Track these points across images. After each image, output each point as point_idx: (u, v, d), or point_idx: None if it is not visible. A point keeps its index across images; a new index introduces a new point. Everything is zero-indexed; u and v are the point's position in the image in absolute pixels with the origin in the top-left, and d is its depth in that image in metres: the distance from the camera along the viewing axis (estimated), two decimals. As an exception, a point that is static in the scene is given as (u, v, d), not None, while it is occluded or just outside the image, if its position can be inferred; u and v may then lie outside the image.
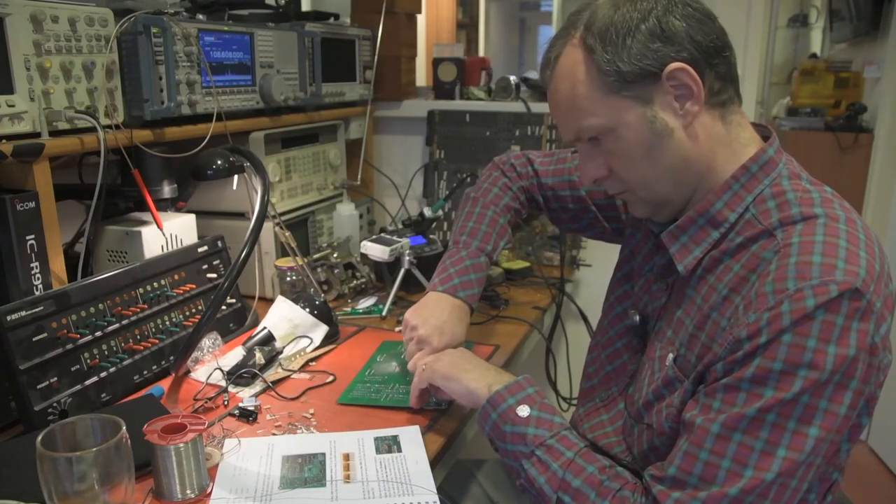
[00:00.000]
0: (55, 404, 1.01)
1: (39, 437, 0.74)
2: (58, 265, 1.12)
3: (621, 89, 0.83)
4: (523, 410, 0.90)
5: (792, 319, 0.72)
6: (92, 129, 1.12)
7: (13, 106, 1.03)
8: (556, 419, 0.90)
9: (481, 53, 5.43)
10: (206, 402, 1.10)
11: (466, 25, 5.49)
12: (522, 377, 0.95)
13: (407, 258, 1.52)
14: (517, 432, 0.89)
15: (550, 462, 0.86)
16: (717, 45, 0.83)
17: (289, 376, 1.21)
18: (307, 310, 1.35)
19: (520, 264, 1.81)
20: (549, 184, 1.26)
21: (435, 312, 1.14)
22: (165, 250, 1.32)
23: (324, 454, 0.96)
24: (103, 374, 1.09)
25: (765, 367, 0.73)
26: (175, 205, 1.42)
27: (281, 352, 1.27)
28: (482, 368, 1.01)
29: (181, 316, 1.27)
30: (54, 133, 1.10)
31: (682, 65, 0.81)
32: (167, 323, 1.23)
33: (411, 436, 1.01)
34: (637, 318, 1.00)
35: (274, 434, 1.03)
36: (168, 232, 1.33)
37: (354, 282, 1.64)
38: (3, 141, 1.03)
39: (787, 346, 0.72)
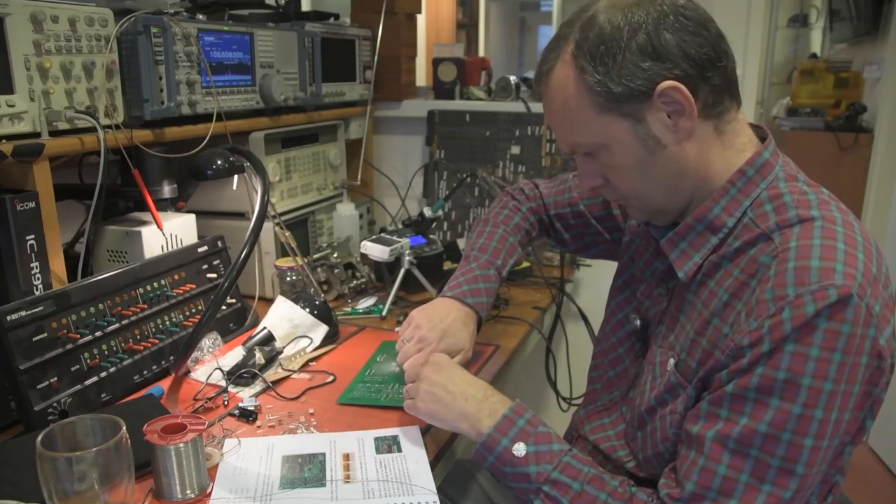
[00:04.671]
0: (55, 404, 1.01)
1: (39, 437, 0.74)
2: (58, 265, 1.12)
3: (612, 108, 0.82)
4: (519, 449, 0.87)
5: (793, 326, 0.72)
6: (92, 129, 1.12)
7: (13, 106, 1.03)
8: (554, 447, 0.88)
9: (481, 53, 5.43)
10: (206, 402, 1.10)
11: (466, 25, 5.49)
12: (510, 409, 0.92)
13: (407, 258, 1.52)
14: (519, 472, 0.87)
15: (560, 497, 0.84)
16: (711, 57, 0.81)
17: (289, 376, 1.21)
18: (307, 310, 1.35)
19: (520, 264, 1.81)
20: (552, 203, 1.28)
21: (441, 315, 1.12)
22: (165, 250, 1.32)
23: (324, 454, 0.96)
24: (103, 374, 1.09)
25: (769, 376, 0.73)
26: (175, 205, 1.42)
27: (281, 352, 1.27)
28: (460, 400, 0.95)
29: (181, 316, 1.27)
30: (54, 133, 1.10)
31: (674, 83, 0.79)
32: (167, 323, 1.23)
33: (411, 436, 1.01)
34: (638, 322, 0.99)
35: (274, 434, 1.03)
36: (168, 232, 1.33)
37: (354, 282, 1.64)
38: (3, 141, 1.03)
39: (791, 355, 0.72)
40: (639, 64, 0.79)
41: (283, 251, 1.57)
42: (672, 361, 0.88)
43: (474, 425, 0.92)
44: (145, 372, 1.17)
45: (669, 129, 0.82)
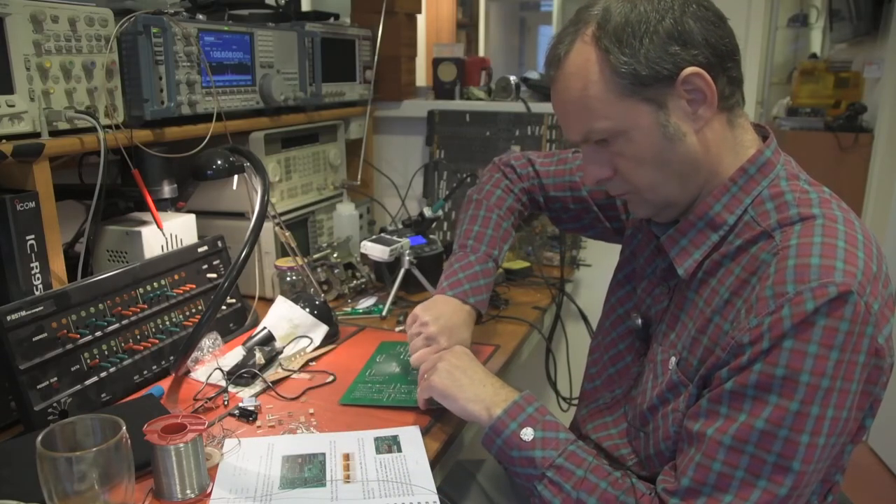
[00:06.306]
0: (55, 404, 1.01)
1: (39, 437, 0.74)
2: (58, 265, 1.12)
3: (636, 92, 0.81)
4: (527, 434, 0.89)
5: (792, 323, 0.72)
6: (92, 129, 1.12)
7: (13, 106, 1.03)
8: (560, 435, 0.89)
9: (481, 53, 5.43)
10: (206, 402, 1.10)
11: (466, 25, 5.49)
12: (521, 396, 0.94)
13: (407, 258, 1.52)
14: (525, 456, 0.88)
15: (562, 483, 0.85)
16: (730, 49, 0.82)
17: (289, 376, 1.21)
18: (307, 310, 1.35)
19: (520, 264, 1.81)
20: (551, 184, 1.26)
21: (446, 313, 1.13)
22: (165, 250, 1.32)
23: (324, 454, 0.96)
24: (103, 374, 1.09)
25: (768, 372, 0.73)
26: (175, 205, 1.42)
27: (281, 352, 1.27)
28: (478, 384, 0.98)
29: (181, 316, 1.27)
30: (54, 133, 1.10)
31: (698, 70, 0.80)
32: (167, 323, 1.23)
33: (411, 436, 1.01)
34: (639, 321, 0.99)
35: (274, 434, 1.03)
36: (168, 232, 1.33)
37: (354, 282, 1.64)
38: (3, 141, 1.03)
39: (789, 352, 0.72)
40: (666, 48, 0.79)
41: (283, 251, 1.57)
42: (673, 360, 0.88)
43: (488, 407, 0.94)
44: (145, 372, 1.17)
45: (689, 116, 0.82)
